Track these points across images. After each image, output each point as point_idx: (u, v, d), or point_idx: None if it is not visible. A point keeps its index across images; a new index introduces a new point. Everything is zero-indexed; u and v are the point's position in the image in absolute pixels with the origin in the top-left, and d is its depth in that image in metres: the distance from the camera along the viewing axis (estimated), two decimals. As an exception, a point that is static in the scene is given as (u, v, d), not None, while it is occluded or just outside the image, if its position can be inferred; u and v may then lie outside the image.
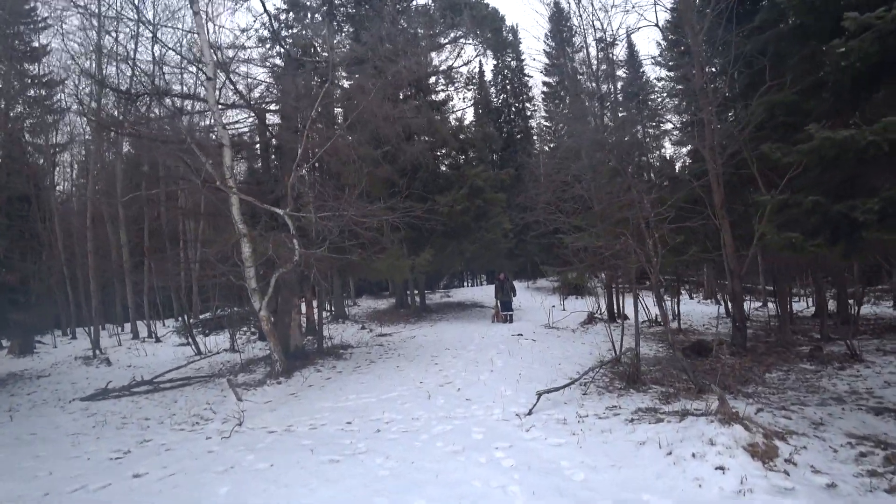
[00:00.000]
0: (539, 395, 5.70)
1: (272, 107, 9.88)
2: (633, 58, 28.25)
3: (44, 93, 19.05)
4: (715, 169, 7.91)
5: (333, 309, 16.78)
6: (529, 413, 5.48)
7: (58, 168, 23.43)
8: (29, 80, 18.05)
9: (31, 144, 18.63)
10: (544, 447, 4.44)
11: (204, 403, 7.06)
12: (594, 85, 14.00)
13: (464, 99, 23.30)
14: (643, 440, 4.39)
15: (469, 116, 23.66)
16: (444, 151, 16.64)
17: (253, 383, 7.97)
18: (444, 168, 16.98)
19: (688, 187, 8.25)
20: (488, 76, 35.38)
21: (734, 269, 8.24)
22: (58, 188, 22.45)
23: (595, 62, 13.84)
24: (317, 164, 9.78)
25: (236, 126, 9.89)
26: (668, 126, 18.22)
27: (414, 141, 12.54)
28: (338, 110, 12.36)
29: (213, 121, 7.74)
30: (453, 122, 17.53)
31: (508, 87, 35.83)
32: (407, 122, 11.15)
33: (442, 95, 18.12)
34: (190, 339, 12.02)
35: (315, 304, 12.20)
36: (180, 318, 12.75)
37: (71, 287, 18.71)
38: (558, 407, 5.73)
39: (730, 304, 14.53)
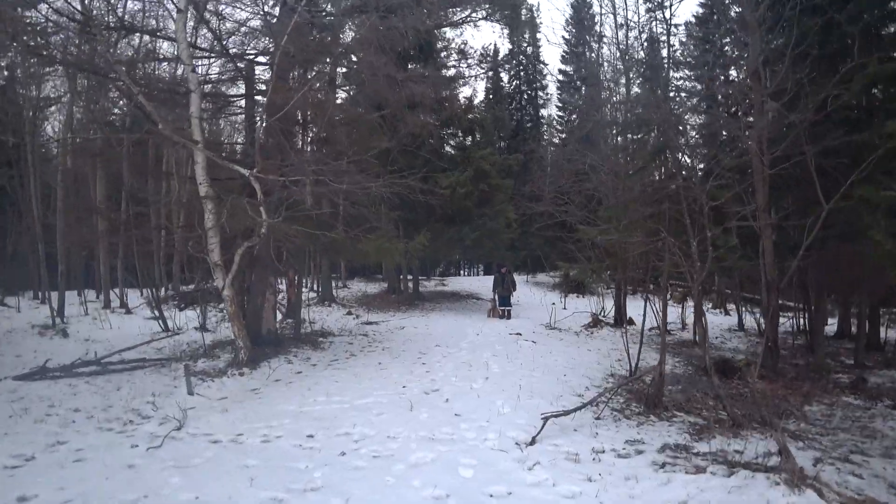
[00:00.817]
0: (545, 419, 4.67)
1: (260, 59, 8.70)
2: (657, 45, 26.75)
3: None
4: (762, 165, 6.82)
5: (320, 290, 15.73)
6: (532, 442, 4.45)
7: (48, 123, 22.17)
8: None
9: (22, 97, 17.33)
10: (553, 499, 3.41)
11: (149, 394, 6.02)
12: (622, 66, 12.80)
13: (476, 77, 22.03)
14: (683, 500, 3.36)
15: (479, 97, 22.46)
16: (450, 130, 15.46)
17: (213, 372, 6.92)
18: (448, 148, 15.84)
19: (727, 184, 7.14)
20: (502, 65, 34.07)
21: (772, 281, 7.18)
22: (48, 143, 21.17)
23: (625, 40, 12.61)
24: (304, 125, 8.63)
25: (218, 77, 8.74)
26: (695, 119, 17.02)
27: (419, 111, 11.35)
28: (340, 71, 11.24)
29: (181, 64, 6.59)
30: (462, 100, 16.32)
31: (522, 73, 34.46)
32: (411, 90, 9.97)
33: (453, 71, 16.89)
34: (157, 314, 10.96)
35: (296, 284, 11.16)
36: (149, 290, 11.66)
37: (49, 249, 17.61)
38: (567, 435, 4.71)
39: (760, 321, 13.57)
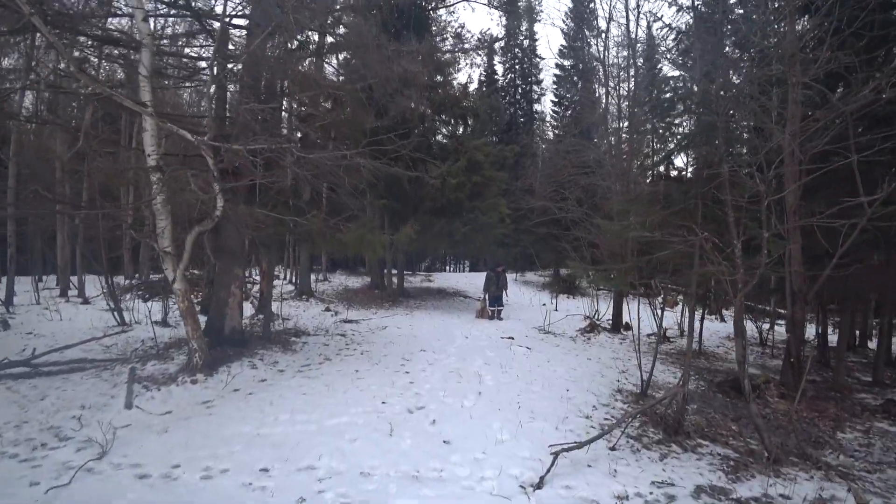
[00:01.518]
0: (555, 454, 3.82)
1: (237, 21, 7.68)
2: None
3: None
4: (794, 162, 6.04)
5: (297, 283, 14.72)
6: (540, 484, 3.60)
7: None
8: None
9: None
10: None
11: (78, 406, 5.04)
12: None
13: (472, 64, 21.14)
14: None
15: (474, 85, 21.55)
16: (442, 117, 14.52)
17: (161, 378, 5.95)
18: (440, 136, 14.90)
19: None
20: (498, 55, 33.20)
21: (799, 291, 6.43)
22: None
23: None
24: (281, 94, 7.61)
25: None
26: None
27: (410, 92, 10.41)
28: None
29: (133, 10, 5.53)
30: (457, 86, 15.38)
31: (517, 66, 33.62)
32: (403, 67, 9.01)
33: (448, 56, 15.92)
34: (113, 305, 9.87)
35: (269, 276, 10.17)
36: (105, 277, 10.54)
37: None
38: (580, 473, 3.87)
39: (764, 329, 12.95)
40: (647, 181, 11.79)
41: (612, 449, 4.41)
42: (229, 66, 7.96)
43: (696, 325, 11.93)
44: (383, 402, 5.22)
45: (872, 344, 12.57)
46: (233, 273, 7.55)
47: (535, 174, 27.67)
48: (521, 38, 33.41)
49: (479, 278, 24.11)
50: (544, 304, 17.05)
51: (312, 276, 18.83)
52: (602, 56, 13.77)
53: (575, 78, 28.14)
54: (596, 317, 13.81)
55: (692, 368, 8.39)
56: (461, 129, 15.26)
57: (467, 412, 5.01)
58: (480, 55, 19.34)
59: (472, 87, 18.28)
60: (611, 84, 13.18)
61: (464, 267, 40.30)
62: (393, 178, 12.70)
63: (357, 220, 7.03)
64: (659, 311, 11.88)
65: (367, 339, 8.76)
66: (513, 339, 9.52)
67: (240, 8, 8.20)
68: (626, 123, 13.46)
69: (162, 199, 5.16)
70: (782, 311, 16.60)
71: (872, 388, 7.83)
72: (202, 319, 7.50)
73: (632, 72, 12.86)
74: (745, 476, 4.10)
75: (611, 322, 12.19)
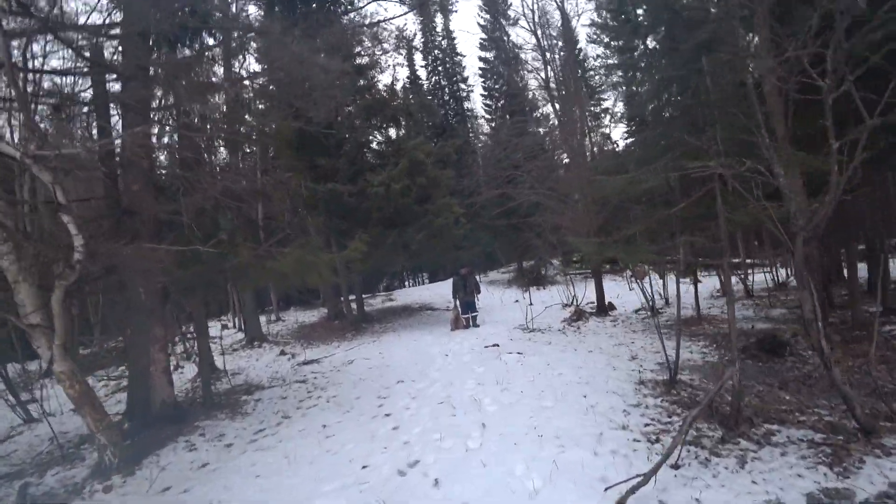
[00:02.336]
0: (622, 502, 2.71)
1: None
2: None
3: None
4: (781, 82, 5.27)
5: (245, 330, 13.04)
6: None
7: None
8: None
9: None
10: None
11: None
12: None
13: (395, 66, 20.11)
14: None
15: (401, 84, 20.54)
16: (374, 122, 13.35)
17: (64, 491, 4.43)
18: (375, 145, 13.72)
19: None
20: (417, 58, 32.51)
21: (804, 227, 5.66)
22: None
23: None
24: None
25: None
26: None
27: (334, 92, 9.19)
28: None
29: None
30: (382, 89, 14.27)
31: (440, 68, 33.00)
32: (321, 67, 7.79)
33: (366, 59, 14.79)
34: (13, 398, 7.98)
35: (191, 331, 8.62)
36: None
37: None
38: (656, 519, 2.77)
39: (747, 282, 12.44)
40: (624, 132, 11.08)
41: (676, 467, 3.36)
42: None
43: (685, 290, 11.27)
44: (364, 467, 3.94)
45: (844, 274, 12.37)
46: (151, 335, 6.04)
47: (479, 170, 27.03)
48: (440, 38, 32.89)
49: (442, 288, 22.93)
50: (517, 301, 16.12)
51: (262, 319, 17.08)
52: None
53: (500, 68, 27.80)
54: (575, 302, 12.98)
55: (705, 337, 7.57)
56: (395, 133, 14.17)
57: (476, 458, 3.82)
58: (402, 54, 18.35)
59: (399, 85, 17.14)
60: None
61: (422, 279, 39.09)
62: (332, 194, 11.42)
63: (293, 242, 5.74)
64: (645, 286, 11.22)
65: (333, 381, 7.40)
66: (498, 345, 8.43)
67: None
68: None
69: (8, 251, 3.70)
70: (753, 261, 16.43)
71: (889, 317, 7.22)
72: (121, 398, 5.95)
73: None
74: (852, 464, 3.14)
75: (595, 305, 11.33)
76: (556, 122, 15.27)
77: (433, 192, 12.28)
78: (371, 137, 13.60)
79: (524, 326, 10.13)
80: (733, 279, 12.60)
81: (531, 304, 14.88)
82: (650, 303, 10.81)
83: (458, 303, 11.38)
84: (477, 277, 11.51)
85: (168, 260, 5.07)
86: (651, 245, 4.08)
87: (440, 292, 21.02)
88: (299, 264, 5.25)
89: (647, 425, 4.18)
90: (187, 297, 6.30)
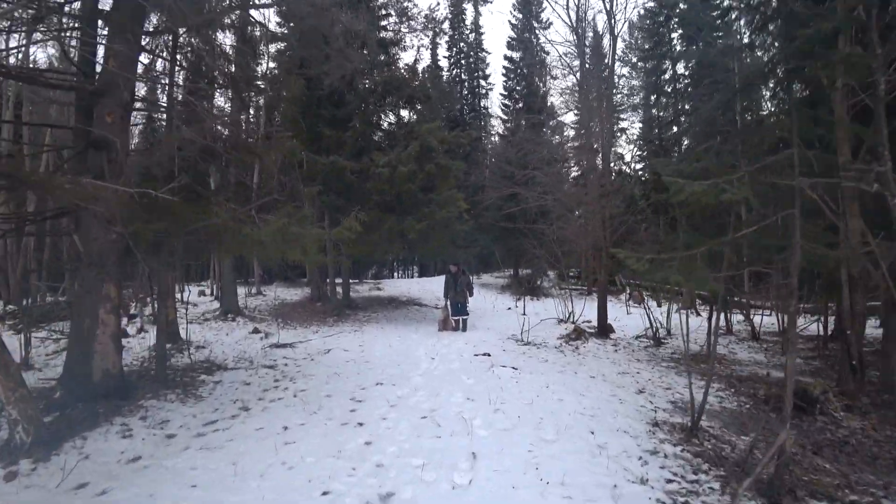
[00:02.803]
0: None
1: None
2: None
3: None
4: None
5: (220, 300, 12.24)
6: None
7: None
8: None
9: None
10: None
11: None
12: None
13: (418, 48, 19.35)
14: None
15: (424, 64, 19.74)
16: (388, 100, 12.56)
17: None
18: (386, 123, 12.95)
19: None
20: (442, 50, 31.75)
21: (860, 276, 5.00)
22: None
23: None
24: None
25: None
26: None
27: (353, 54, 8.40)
28: None
29: None
30: (402, 67, 13.49)
31: (463, 62, 32.24)
32: (343, 25, 7.01)
33: (390, 34, 14.00)
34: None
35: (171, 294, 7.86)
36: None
37: None
38: None
39: (755, 321, 11.80)
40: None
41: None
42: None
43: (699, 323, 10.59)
44: (325, 494, 3.19)
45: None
46: (101, 293, 5.24)
47: (486, 169, 26.30)
48: (467, 31, 32.11)
49: (431, 283, 22.16)
50: (510, 308, 15.45)
51: (242, 291, 16.26)
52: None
53: (525, 70, 27.05)
54: (571, 319, 12.32)
55: (720, 379, 6.89)
56: (409, 115, 13.41)
57: (465, 499, 3.10)
58: (428, 36, 17.52)
59: (422, 66, 16.34)
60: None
61: (412, 273, 38.28)
62: (333, 168, 10.64)
63: (280, 210, 4.97)
64: (652, 310, 10.55)
65: (305, 371, 6.64)
66: (490, 355, 7.72)
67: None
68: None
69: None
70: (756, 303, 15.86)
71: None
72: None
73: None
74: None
75: (596, 326, 10.65)
76: (577, 130, 14.59)
77: (440, 181, 11.54)
78: (383, 115, 12.82)
79: (518, 338, 9.42)
80: (732, 318, 12.00)
81: (524, 313, 14.23)
82: (655, 332, 10.19)
83: (448, 302, 10.66)
84: (470, 277, 10.77)
85: (129, 207, 4.30)
86: (711, 270, 3.46)
87: (429, 288, 20.28)
88: (281, 235, 4.49)
89: (669, 481, 3.48)
90: (150, 254, 5.49)
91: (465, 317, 10.53)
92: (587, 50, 14.50)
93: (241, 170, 6.55)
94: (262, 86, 6.78)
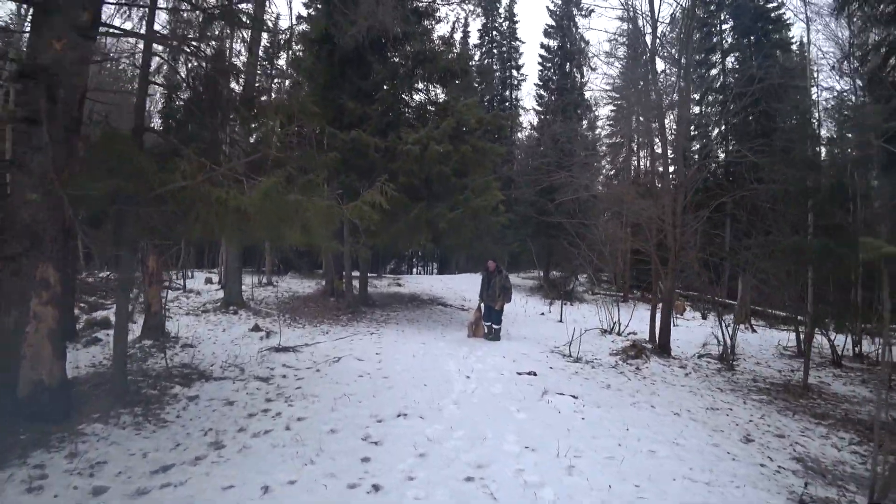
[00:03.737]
0: None
1: None
2: None
3: None
4: None
5: (224, 289, 10.94)
6: None
7: None
8: None
9: None
10: None
11: None
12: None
13: (456, 23, 17.90)
14: None
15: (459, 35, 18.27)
16: (420, 72, 11.08)
17: None
18: (418, 97, 11.50)
19: None
20: (474, 38, 30.22)
21: None
22: None
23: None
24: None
25: None
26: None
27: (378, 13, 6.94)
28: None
29: None
30: (437, 40, 11.99)
31: (495, 51, 30.65)
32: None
33: (424, 4, 12.52)
34: None
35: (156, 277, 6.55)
36: None
37: None
38: None
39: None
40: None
41: None
42: None
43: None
44: None
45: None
46: (35, 276, 3.89)
47: (515, 163, 24.67)
48: (501, 19, 30.51)
49: (454, 282, 20.65)
50: (543, 314, 13.88)
51: (252, 280, 15.02)
52: None
53: (563, 59, 25.32)
54: (617, 330, 10.72)
55: (829, 418, 5.23)
56: (442, 92, 11.92)
57: None
58: (465, 11, 15.98)
59: (458, 36, 14.85)
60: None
61: (432, 269, 36.81)
62: (355, 145, 9.22)
63: (277, 171, 3.54)
64: (726, 325, 8.89)
65: (306, 388, 5.21)
66: (535, 374, 6.23)
67: None
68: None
69: None
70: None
71: None
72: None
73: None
74: None
75: (653, 341, 9.04)
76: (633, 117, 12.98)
77: (476, 166, 10.04)
78: (413, 91, 11.37)
79: (564, 352, 7.89)
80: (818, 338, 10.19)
81: (561, 320, 12.67)
82: (726, 352, 8.53)
83: (481, 304, 9.13)
84: (508, 278, 9.21)
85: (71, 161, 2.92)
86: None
87: (453, 287, 18.80)
88: (273, 204, 3.07)
89: None
90: (93, 227, 4.12)
91: (496, 326, 8.94)
92: (646, 30, 12.79)
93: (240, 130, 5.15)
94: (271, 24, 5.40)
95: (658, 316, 10.54)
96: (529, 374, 6.28)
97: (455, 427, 4.15)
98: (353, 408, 4.55)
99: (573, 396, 5.28)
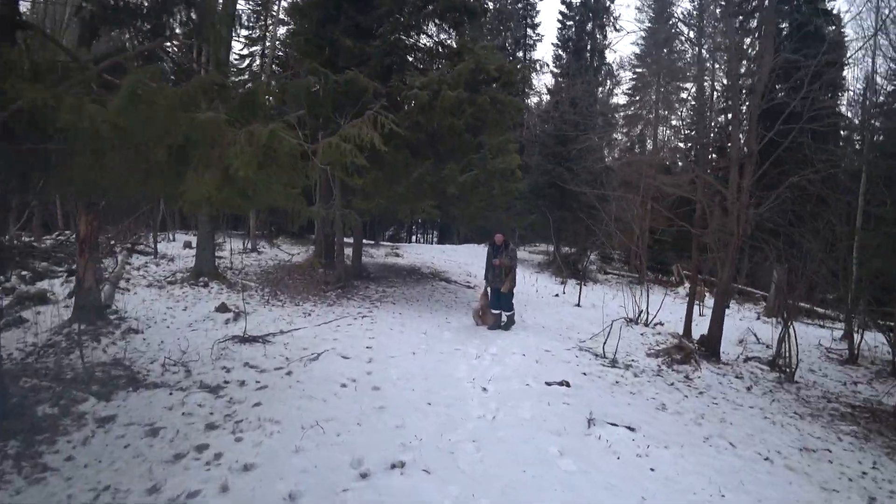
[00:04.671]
0: None
1: None
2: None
3: None
4: None
5: (195, 256, 9.46)
6: None
7: None
8: None
9: None
10: None
11: None
12: None
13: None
14: None
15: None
16: (429, 9, 9.31)
17: None
18: (424, 38, 9.75)
19: None
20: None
21: None
22: None
23: None
24: None
25: None
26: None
27: None
28: None
29: None
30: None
31: (510, 7, 28.23)
32: None
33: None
34: None
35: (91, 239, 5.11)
36: None
37: None
38: None
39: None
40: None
41: None
42: None
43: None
44: None
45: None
46: None
47: (524, 129, 22.87)
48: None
49: (457, 254, 19.10)
50: (557, 295, 12.51)
51: (236, 246, 13.55)
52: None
53: (580, 18, 23.19)
54: (645, 320, 9.37)
55: None
56: (454, 36, 10.16)
57: None
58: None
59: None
60: None
61: (432, 238, 35.24)
62: (351, 87, 7.59)
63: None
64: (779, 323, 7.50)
65: (267, 407, 3.80)
66: (568, 385, 4.88)
67: None
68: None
69: None
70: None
71: None
72: None
73: None
74: None
75: (689, 336, 7.69)
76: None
77: (494, 124, 8.43)
78: (421, 30, 9.61)
79: (594, 350, 6.53)
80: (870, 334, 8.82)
81: (579, 304, 11.31)
82: (779, 358, 7.17)
83: (487, 287, 7.68)
84: (517, 253, 7.66)
85: None
86: None
87: (456, 259, 17.35)
88: (155, 119, 1.59)
89: None
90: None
91: (509, 313, 7.48)
92: None
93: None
94: None
95: (695, 309, 9.20)
96: (561, 384, 4.92)
97: (477, 492, 2.78)
98: (328, 448, 3.16)
99: (629, 428, 3.92)
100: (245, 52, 20.33)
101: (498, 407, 4.11)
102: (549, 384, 4.90)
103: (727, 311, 13.45)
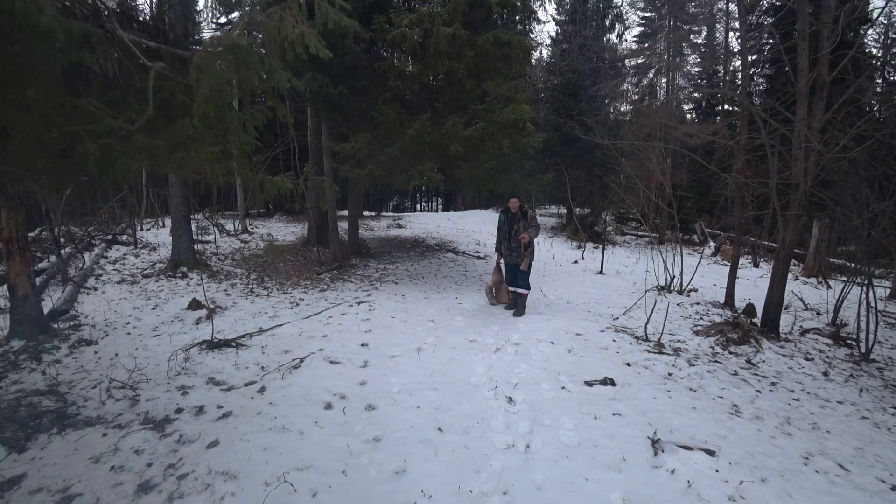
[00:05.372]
0: None
1: None
2: None
3: None
4: None
5: (172, 245, 8.46)
6: None
7: None
8: None
9: None
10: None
11: None
12: None
13: None
14: None
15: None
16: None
17: None
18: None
19: None
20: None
21: None
22: None
23: None
24: None
25: None
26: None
27: None
28: None
29: None
30: None
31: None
32: None
33: None
34: None
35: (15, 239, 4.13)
36: None
37: None
38: None
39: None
40: None
41: None
42: None
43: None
44: None
45: None
46: None
47: (528, 83, 21.36)
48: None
49: (465, 221, 17.96)
50: (576, 262, 11.45)
51: (228, 227, 12.56)
52: None
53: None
54: (679, 287, 8.34)
55: None
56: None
57: None
58: None
59: None
60: None
61: (437, 205, 33.96)
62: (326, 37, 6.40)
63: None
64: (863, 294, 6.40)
65: (224, 452, 2.86)
66: (613, 384, 3.92)
67: None
68: None
69: None
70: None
71: None
72: None
73: None
74: None
75: (751, 311, 6.64)
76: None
77: (497, 70, 7.18)
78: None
79: (633, 331, 5.54)
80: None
81: (602, 271, 10.26)
82: (869, 341, 6.08)
83: (501, 261, 6.64)
84: (538, 221, 6.58)
85: None
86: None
87: (462, 226, 16.28)
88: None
89: None
90: None
91: (523, 291, 6.42)
92: None
93: None
94: None
95: (739, 274, 8.13)
96: (604, 382, 3.96)
97: None
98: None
99: (707, 452, 2.94)
100: None
101: (531, 429, 3.14)
102: (589, 384, 3.93)
103: (758, 269, 12.47)
